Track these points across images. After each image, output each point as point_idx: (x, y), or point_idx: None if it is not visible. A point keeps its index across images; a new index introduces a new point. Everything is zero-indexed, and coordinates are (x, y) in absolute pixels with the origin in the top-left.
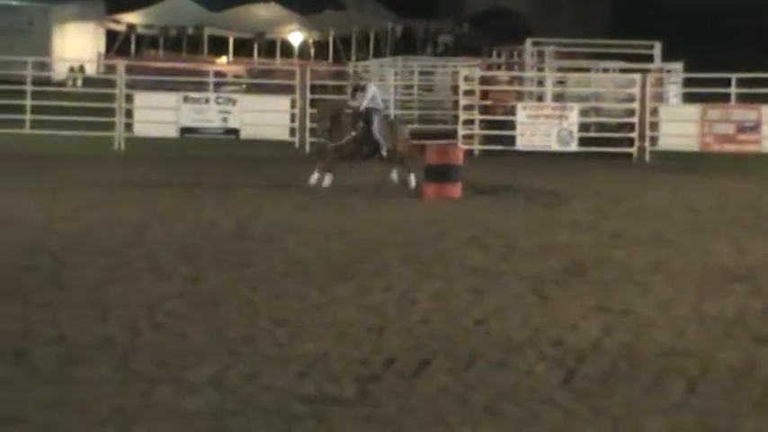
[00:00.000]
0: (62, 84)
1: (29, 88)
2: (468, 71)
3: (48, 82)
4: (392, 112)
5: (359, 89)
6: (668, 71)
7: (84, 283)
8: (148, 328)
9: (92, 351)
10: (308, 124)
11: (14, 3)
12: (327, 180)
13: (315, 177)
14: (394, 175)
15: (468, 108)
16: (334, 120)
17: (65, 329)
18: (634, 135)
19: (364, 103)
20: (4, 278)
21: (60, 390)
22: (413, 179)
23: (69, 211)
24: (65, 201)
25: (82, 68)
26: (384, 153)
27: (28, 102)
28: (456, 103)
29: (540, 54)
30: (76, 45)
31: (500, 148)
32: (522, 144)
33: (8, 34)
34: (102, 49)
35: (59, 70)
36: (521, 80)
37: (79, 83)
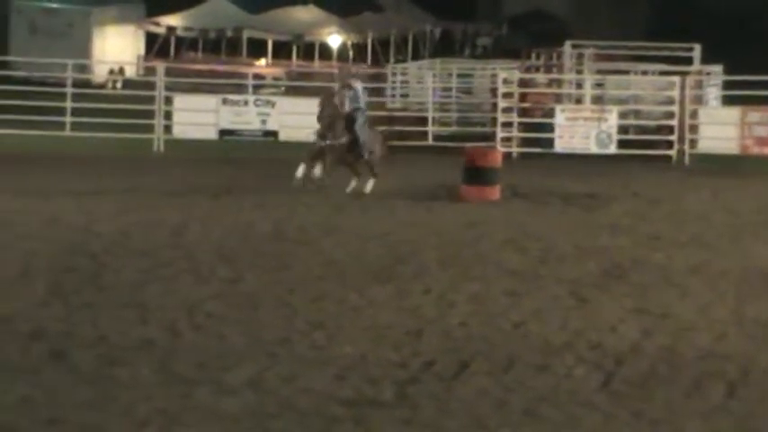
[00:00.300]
0: (102, 86)
1: (69, 90)
2: (506, 73)
3: (88, 84)
4: (429, 115)
5: (345, 87)
6: (708, 73)
7: (124, 285)
8: (188, 329)
9: (132, 352)
10: None
11: (55, 5)
12: (327, 180)
13: (300, 172)
14: (317, 172)
15: (507, 110)
16: (333, 118)
17: (105, 330)
18: (673, 138)
19: (347, 102)
20: (45, 279)
21: (101, 391)
22: (371, 185)
23: (109, 212)
24: (105, 202)
25: (122, 71)
26: (366, 156)
27: (68, 104)
28: (494, 105)
29: (579, 56)
30: (116, 47)
31: (538, 150)
32: (560, 146)
33: (49, 37)
34: (142, 51)
35: (99, 72)
36: (559, 82)
37: (119, 85)
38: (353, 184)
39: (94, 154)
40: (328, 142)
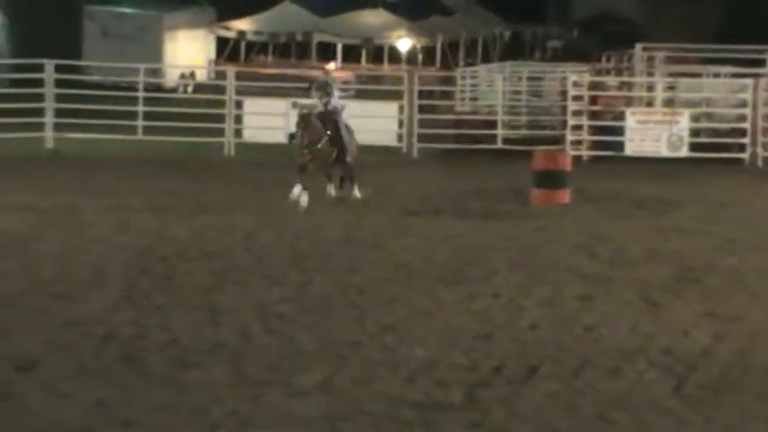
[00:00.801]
0: (173, 90)
1: (141, 95)
2: (576, 76)
3: (159, 88)
4: (499, 118)
5: (318, 87)
6: None
7: (196, 288)
8: (259, 332)
9: (203, 355)
10: (416, 130)
11: (127, 10)
12: (304, 197)
13: (296, 192)
14: (332, 190)
15: (577, 113)
16: (305, 120)
17: (177, 333)
18: (746, 140)
19: (333, 102)
20: (118, 283)
21: (173, 393)
22: (357, 189)
23: (180, 216)
24: (176, 206)
25: (192, 75)
26: (349, 159)
27: (140, 108)
28: (564, 108)
29: (650, 59)
30: (187, 52)
31: (609, 153)
32: (631, 150)
33: (121, 41)
34: (213, 55)
35: (171, 77)
36: (630, 85)
37: (190, 89)
38: (332, 189)
39: (166, 158)
40: (317, 147)
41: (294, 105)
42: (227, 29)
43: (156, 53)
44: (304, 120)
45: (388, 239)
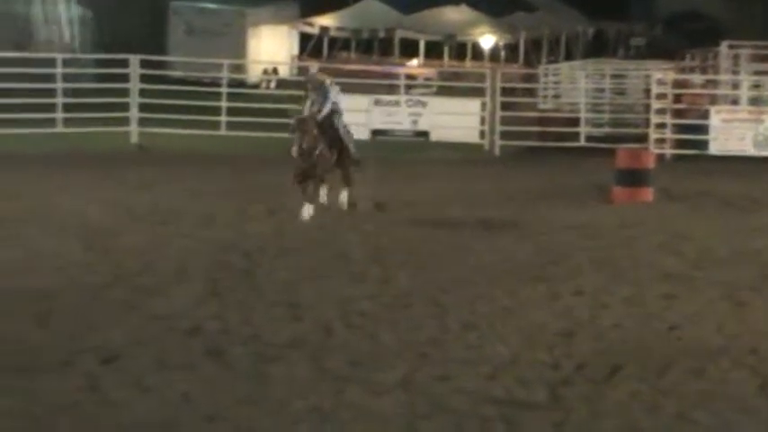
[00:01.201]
0: (256, 86)
1: (224, 90)
2: (661, 74)
3: (242, 84)
4: (582, 116)
5: (315, 89)
6: None
7: (278, 283)
8: (341, 328)
9: (285, 350)
10: (498, 127)
11: (212, 6)
12: (305, 210)
13: (307, 213)
14: (344, 198)
15: (661, 112)
16: (302, 125)
17: (259, 328)
18: None
19: (329, 103)
20: (201, 278)
21: (256, 388)
22: (346, 197)
23: (263, 211)
24: (258, 201)
25: (275, 71)
26: (356, 157)
27: (224, 103)
28: (648, 106)
29: (736, 57)
30: (270, 47)
31: (693, 152)
32: (715, 148)
33: (205, 37)
34: (296, 51)
35: (254, 72)
36: (715, 83)
37: (272, 85)
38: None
39: (249, 153)
40: (316, 152)
41: (377, 102)
42: (310, 25)
43: (239, 49)
44: (300, 124)
45: (471, 236)
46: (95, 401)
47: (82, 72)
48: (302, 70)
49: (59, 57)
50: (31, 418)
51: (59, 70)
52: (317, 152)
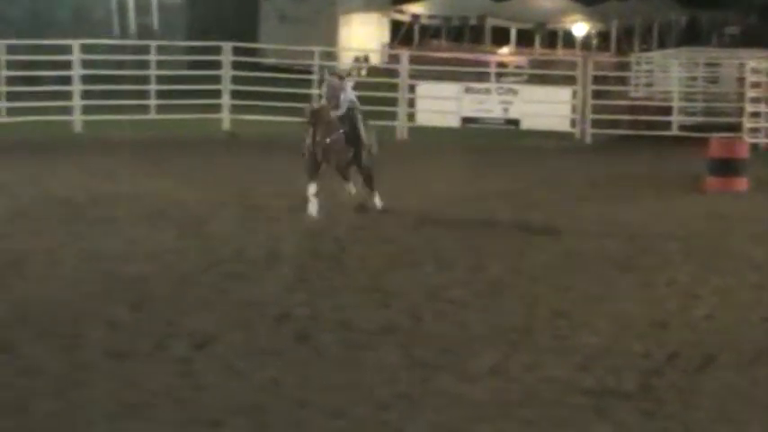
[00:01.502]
0: (348, 74)
1: (316, 78)
2: (755, 62)
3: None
4: (674, 105)
5: (333, 83)
6: None
7: (368, 271)
8: (430, 315)
9: (375, 337)
10: (590, 115)
11: None
12: (313, 206)
13: (311, 208)
14: (352, 188)
15: (755, 100)
16: (317, 115)
17: (349, 315)
18: None
19: (345, 101)
20: (291, 264)
21: (345, 374)
22: (378, 198)
23: (353, 198)
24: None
25: (366, 58)
26: (373, 151)
27: (315, 91)
28: (742, 95)
29: None
30: (361, 35)
31: None
32: None
33: (297, 24)
34: (387, 39)
35: (345, 60)
36: None
37: (363, 72)
38: (350, 187)
39: None
40: (327, 142)
41: (468, 90)
42: (402, 12)
43: (330, 37)
44: (315, 115)
45: (561, 225)
46: (188, 386)
47: (175, 59)
48: (392, 58)
49: (153, 44)
50: (126, 402)
51: (153, 57)
52: (328, 142)
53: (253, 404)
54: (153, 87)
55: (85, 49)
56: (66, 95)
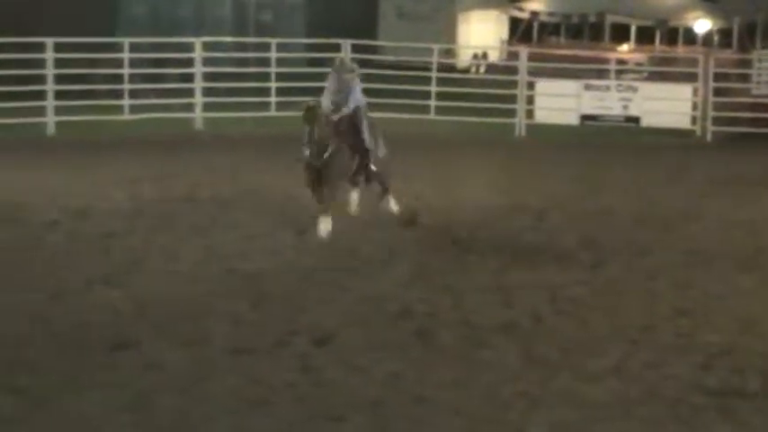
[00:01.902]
0: (466, 70)
1: (434, 75)
2: None
3: (452, 69)
4: None
5: (340, 80)
6: None
7: (487, 268)
8: (550, 313)
9: (494, 335)
10: (710, 113)
11: None
12: (323, 225)
13: (324, 227)
14: (355, 203)
15: None
16: (313, 115)
17: (468, 312)
18: None
19: (354, 98)
20: (410, 261)
21: (465, 371)
22: (393, 202)
23: (471, 197)
24: (467, 187)
25: (485, 55)
26: (374, 167)
27: (433, 88)
28: None
29: None
30: (480, 32)
31: None
32: None
33: (415, 22)
34: (505, 36)
35: (463, 57)
36: None
37: (482, 69)
38: (355, 197)
39: (457, 137)
40: (326, 155)
41: (587, 87)
42: (521, 9)
43: (449, 34)
44: (311, 115)
45: (682, 222)
46: (309, 382)
47: (294, 56)
48: (510, 55)
49: (273, 41)
50: (247, 398)
51: (273, 54)
52: (332, 150)
53: (373, 400)
54: (273, 85)
55: (207, 46)
56: (188, 93)
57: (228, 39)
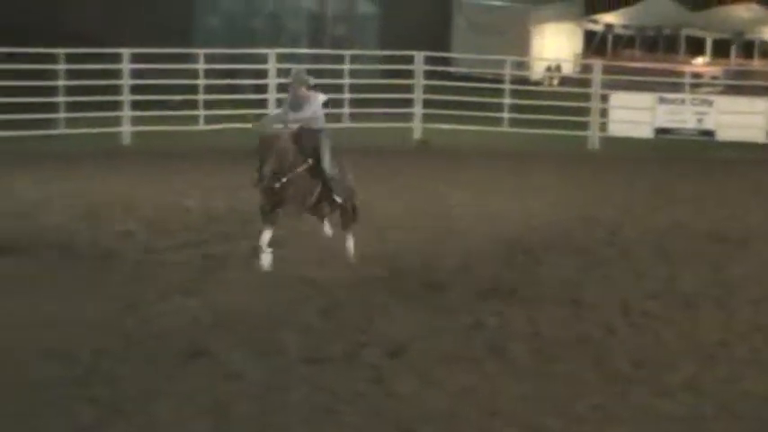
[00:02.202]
0: (538, 83)
1: (507, 87)
2: None
3: (525, 81)
4: None
5: (298, 91)
6: None
7: (560, 282)
8: (624, 327)
9: (568, 348)
10: None
11: (497, 3)
12: (266, 258)
13: (263, 259)
14: (329, 229)
15: None
16: (269, 143)
17: (541, 326)
18: None
19: (311, 113)
20: (484, 274)
21: (537, 385)
22: (351, 242)
23: (545, 209)
24: (540, 198)
25: (558, 68)
26: (338, 198)
27: (506, 100)
28: None
29: None
30: (554, 45)
31: None
32: None
33: (488, 34)
34: (579, 48)
35: (537, 69)
36: None
37: (555, 82)
38: (328, 227)
39: (530, 150)
40: (284, 180)
41: (662, 100)
42: (595, 22)
43: (522, 46)
44: (267, 143)
45: (757, 237)
46: (380, 393)
47: (368, 68)
48: (584, 67)
49: (347, 53)
50: (320, 407)
51: (347, 66)
52: (289, 178)
53: (445, 412)
54: (346, 96)
55: (281, 58)
56: (261, 103)
57: (303, 50)
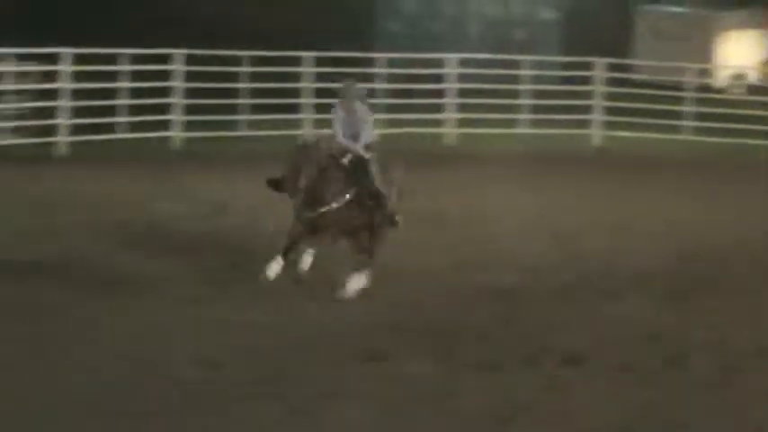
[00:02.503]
0: (722, 91)
1: (689, 94)
2: None
3: (707, 89)
4: None
5: (351, 105)
6: None
7: (743, 292)
8: None
9: (751, 359)
10: None
11: (680, 10)
12: (275, 267)
13: (273, 268)
14: (307, 263)
15: None
16: (306, 155)
17: (723, 336)
18: None
19: (365, 138)
20: (663, 283)
21: (720, 397)
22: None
23: (727, 218)
24: (724, 208)
25: (743, 76)
26: (397, 220)
27: (688, 108)
28: None
29: None
30: (738, 52)
31: None
32: None
33: (671, 41)
34: (764, 56)
35: (720, 77)
36: None
37: (741, 90)
38: (305, 264)
39: (713, 159)
40: (321, 210)
41: None
42: None
43: (705, 54)
44: (304, 154)
45: None
46: (556, 402)
47: (548, 74)
48: None
49: (527, 58)
50: (496, 415)
51: (527, 72)
52: (332, 207)
53: (623, 425)
54: (525, 102)
55: (461, 62)
56: (439, 108)
57: (484, 55)
